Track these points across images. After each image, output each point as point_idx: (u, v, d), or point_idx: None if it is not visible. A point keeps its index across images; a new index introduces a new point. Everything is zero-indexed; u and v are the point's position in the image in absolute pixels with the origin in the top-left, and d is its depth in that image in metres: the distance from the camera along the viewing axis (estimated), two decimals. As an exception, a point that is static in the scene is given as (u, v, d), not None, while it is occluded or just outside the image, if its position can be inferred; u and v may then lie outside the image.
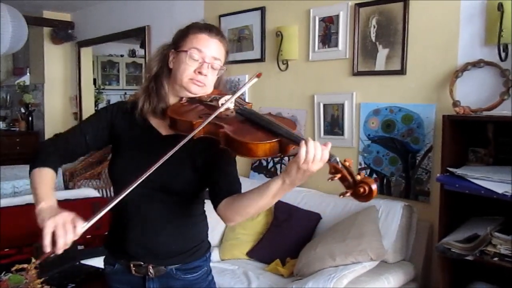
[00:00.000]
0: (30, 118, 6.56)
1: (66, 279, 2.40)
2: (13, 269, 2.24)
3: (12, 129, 6.84)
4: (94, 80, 7.05)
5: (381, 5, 2.82)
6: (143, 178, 1.17)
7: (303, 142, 1.09)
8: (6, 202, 3.00)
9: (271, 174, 3.48)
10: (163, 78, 1.41)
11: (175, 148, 1.19)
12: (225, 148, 1.23)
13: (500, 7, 2.24)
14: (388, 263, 2.51)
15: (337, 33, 3.06)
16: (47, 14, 5.94)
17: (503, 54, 2.31)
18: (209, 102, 1.37)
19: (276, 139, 1.16)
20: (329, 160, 1.09)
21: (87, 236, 2.97)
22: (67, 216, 1.14)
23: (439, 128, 2.39)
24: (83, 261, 2.62)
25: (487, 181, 2.03)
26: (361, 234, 2.45)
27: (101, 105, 7.11)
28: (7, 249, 2.65)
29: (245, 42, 3.67)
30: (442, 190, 2.21)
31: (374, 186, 1.05)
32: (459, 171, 2.15)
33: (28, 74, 6.69)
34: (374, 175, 2.91)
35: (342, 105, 3.05)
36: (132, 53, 8.52)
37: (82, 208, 3.11)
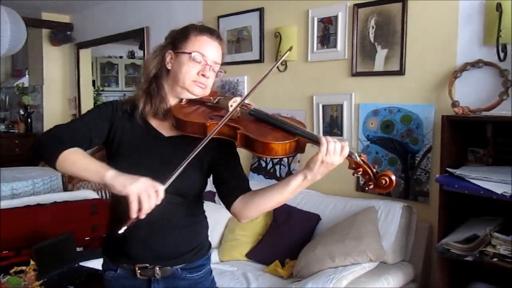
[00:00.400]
0: (29, 120, 6.56)
1: (65, 281, 2.40)
2: (12, 271, 2.24)
3: (11, 131, 6.84)
4: (93, 81, 7.04)
5: (380, 5, 2.82)
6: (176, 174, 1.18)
7: (323, 138, 1.18)
8: (4, 204, 3.00)
9: (270, 175, 3.48)
10: (162, 79, 1.41)
11: (196, 150, 1.20)
12: (235, 148, 1.29)
13: (499, 7, 2.23)
14: (388, 264, 2.51)
15: (335, 33, 3.06)
16: (46, 15, 5.95)
17: (501, 54, 2.30)
18: (215, 102, 1.39)
19: (295, 139, 1.23)
20: (349, 155, 1.20)
21: (86, 238, 2.97)
22: (146, 181, 1.14)
23: (438, 128, 2.39)
24: (81, 263, 2.62)
25: (486, 181, 2.02)
26: (360, 235, 2.45)
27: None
28: (5, 251, 2.64)
29: (243, 43, 3.67)
30: (442, 190, 2.21)
31: (393, 177, 1.17)
32: (458, 172, 2.14)
33: (27, 76, 6.69)
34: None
35: (341, 105, 3.05)
36: (131, 55, 8.53)
37: (81, 209, 3.11)
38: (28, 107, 6.47)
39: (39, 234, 2.68)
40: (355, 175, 1.21)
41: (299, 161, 3.32)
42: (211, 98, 1.42)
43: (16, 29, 4.19)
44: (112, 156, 1.41)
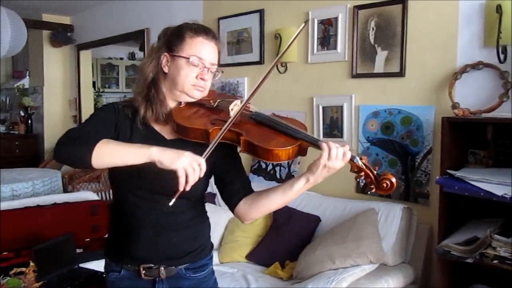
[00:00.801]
0: (29, 121, 6.56)
1: (64, 282, 2.40)
2: (12, 272, 2.24)
3: (11, 132, 6.84)
4: (94, 83, 7.05)
5: (380, 7, 2.82)
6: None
7: (324, 144, 1.20)
8: (4, 205, 3.00)
9: (270, 176, 3.48)
10: (160, 83, 1.40)
11: (204, 156, 1.21)
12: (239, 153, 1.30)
13: (499, 8, 2.23)
14: (388, 266, 2.50)
15: (336, 35, 3.06)
16: (47, 17, 5.95)
17: (502, 56, 2.30)
18: (215, 106, 1.38)
19: (298, 143, 1.25)
20: (351, 159, 1.21)
21: (86, 240, 2.97)
22: (190, 155, 1.19)
23: (438, 130, 2.39)
24: (81, 265, 2.62)
25: (486, 183, 2.02)
26: (360, 237, 2.44)
27: (100, 108, 7.10)
28: (5, 252, 2.64)
29: (244, 44, 3.67)
30: (442, 192, 2.20)
31: (394, 179, 1.19)
32: (458, 173, 2.14)
33: (27, 77, 6.69)
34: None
35: (341, 107, 3.05)
36: (132, 56, 8.53)
37: (81, 210, 3.11)
38: (29, 108, 6.48)
39: (39, 235, 2.67)
40: (358, 179, 1.23)
41: (299, 163, 3.32)
42: (211, 100, 1.41)
43: (16, 31, 4.19)
44: None
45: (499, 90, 2.33)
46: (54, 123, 6.31)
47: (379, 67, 2.85)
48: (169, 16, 4.29)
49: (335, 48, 3.07)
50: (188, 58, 1.34)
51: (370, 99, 2.92)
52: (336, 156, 1.19)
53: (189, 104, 1.41)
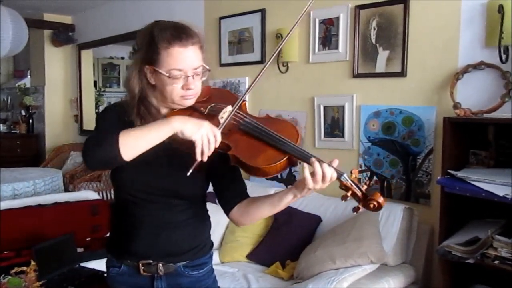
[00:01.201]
0: (30, 121, 6.56)
1: (65, 282, 2.40)
2: (12, 271, 2.24)
3: (13, 131, 6.84)
4: (95, 82, 7.05)
5: (382, 7, 2.81)
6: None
7: (306, 169, 1.19)
8: (6, 204, 3.00)
9: (271, 177, 3.47)
10: (149, 96, 1.36)
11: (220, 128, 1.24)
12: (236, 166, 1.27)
13: (501, 8, 2.23)
14: (389, 266, 2.50)
15: (337, 35, 3.06)
16: (48, 16, 5.95)
17: (503, 56, 2.30)
18: (206, 113, 1.35)
19: (286, 157, 1.22)
20: (339, 178, 1.19)
21: (87, 239, 2.97)
22: (207, 126, 1.21)
23: (440, 130, 2.38)
24: (82, 264, 2.62)
25: (487, 183, 2.02)
26: (361, 237, 2.44)
27: (101, 108, 7.11)
28: (6, 252, 2.65)
29: (245, 44, 3.67)
30: (443, 192, 2.20)
31: (381, 200, 1.17)
32: (459, 174, 2.14)
33: (28, 76, 6.69)
34: (375, 178, 2.90)
35: (343, 107, 3.05)
36: (133, 56, 8.52)
37: (82, 210, 3.11)
38: (30, 108, 6.48)
39: (40, 235, 2.68)
40: (344, 200, 1.20)
41: (300, 163, 3.31)
42: (201, 108, 1.36)
43: (18, 30, 4.20)
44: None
45: (501, 91, 2.33)
46: (55, 122, 6.32)
47: (380, 67, 2.85)
48: (171, 16, 4.26)
49: (336, 48, 3.07)
50: (168, 76, 1.28)
51: (371, 99, 2.92)
52: (320, 179, 1.18)
53: (182, 110, 1.38)
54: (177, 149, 1.32)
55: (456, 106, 2.40)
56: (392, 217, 2.58)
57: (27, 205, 3.02)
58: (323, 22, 3.14)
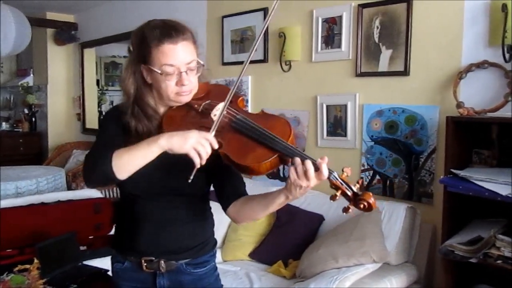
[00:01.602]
0: (33, 119, 6.57)
1: (68, 280, 2.40)
2: (15, 269, 2.25)
3: (16, 130, 6.85)
4: (97, 81, 7.05)
5: (385, 6, 2.81)
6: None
7: (291, 164, 1.16)
8: (9, 202, 3.01)
9: (273, 175, 3.48)
10: (146, 97, 1.36)
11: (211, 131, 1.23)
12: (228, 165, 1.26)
13: (504, 7, 2.22)
14: (391, 265, 2.50)
15: (340, 34, 3.05)
16: (51, 15, 5.96)
17: (507, 55, 2.29)
18: (201, 110, 1.35)
19: (276, 155, 1.20)
20: (328, 177, 1.16)
21: (89, 237, 2.98)
22: (195, 134, 1.21)
23: (443, 129, 2.38)
24: (85, 262, 2.63)
25: (491, 183, 2.02)
26: (363, 236, 2.44)
27: (104, 106, 7.12)
28: (9, 250, 2.65)
29: (247, 43, 3.67)
30: (446, 192, 2.20)
31: (371, 200, 1.13)
32: (462, 173, 2.14)
33: (31, 75, 6.70)
34: (377, 177, 2.90)
35: (345, 106, 3.04)
36: (135, 54, 8.52)
37: (84, 208, 3.12)
38: (33, 106, 6.49)
39: (42, 233, 2.68)
40: (333, 199, 1.17)
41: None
42: (195, 105, 1.37)
43: (21, 29, 4.21)
44: None
45: (504, 90, 2.32)
46: (58, 121, 6.33)
47: (383, 66, 2.85)
48: (173, 15, 4.26)
49: (339, 46, 3.07)
50: (160, 73, 1.30)
51: (374, 98, 2.91)
52: (304, 175, 1.15)
53: (180, 107, 1.39)
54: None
55: (459, 105, 2.39)
56: (395, 216, 2.58)
57: (30, 203, 3.03)
58: (326, 21, 3.14)
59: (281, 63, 3.38)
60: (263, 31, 1.33)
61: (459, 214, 2.27)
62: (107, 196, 4.62)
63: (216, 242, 1.56)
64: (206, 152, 1.20)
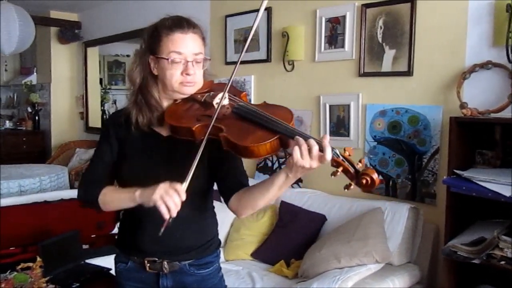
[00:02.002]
0: (36, 117, 6.60)
1: (70, 278, 2.41)
2: (18, 267, 2.25)
3: (19, 128, 6.88)
4: (100, 80, 7.07)
5: (388, 5, 2.80)
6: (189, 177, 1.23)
7: (294, 141, 1.13)
8: (12, 201, 3.02)
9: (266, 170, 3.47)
10: (150, 87, 1.39)
11: (196, 158, 1.22)
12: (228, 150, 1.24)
13: (509, 8, 2.21)
14: (394, 266, 2.49)
15: (343, 33, 3.05)
16: (54, 14, 5.97)
17: (511, 56, 2.28)
18: (203, 100, 1.36)
19: (276, 137, 1.18)
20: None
21: (92, 236, 2.98)
22: (164, 185, 1.22)
23: (446, 130, 2.37)
24: (87, 261, 2.63)
25: (494, 183, 2.01)
26: (366, 236, 2.44)
27: (107, 105, 7.14)
28: (12, 248, 2.66)
29: (251, 42, 3.65)
30: (449, 192, 2.19)
31: (375, 176, 1.10)
32: (466, 174, 2.13)
33: (35, 73, 6.72)
34: (380, 177, 2.89)
35: (348, 106, 3.04)
36: (138, 53, 8.52)
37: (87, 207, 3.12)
38: (36, 105, 6.51)
39: (45, 231, 2.69)
40: (335, 175, 1.13)
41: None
42: (199, 95, 1.38)
43: (25, 27, 4.22)
44: (119, 164, 1.45)
45: (508, 90, 2.31)
46: (61, 119, 6.34)
47: (386, 66, 2.84)
48: (176, 14, 4.29)
49: (342, 46, 3.06)
50: (167, 59, 1.33)
51: (377, 98, 2.91)
52: (308, 155, 1.12)
53: (184, 100, 1.40)
54: (177, 143, 1.33)
55: (462, 105, 2.39)
56: (398, 216, 2.58)
57: (33, 201, 3.03)
58: (329, 20, 3.13)
59: (284, 63, 3.37)
60: (253, 33, 1.34)
61: (462, 215, 2.26)
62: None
63: (220, 242, 1.55)
64: (174, 203, 1.19)
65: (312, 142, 1.12)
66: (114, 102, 7.51)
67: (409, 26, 2.70)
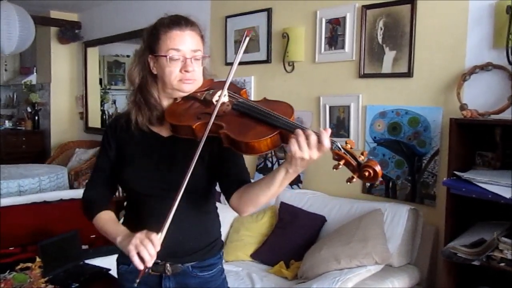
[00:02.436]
0: (36, 117, 6.59)
1: (69, 279, 2.41)
2: (18, 268, 2.25)
3: (18, 128, 6.87)
4: (100, 80, 7.06)
5: (389, 7, 2.80)
6: (181, 191, 1.23)
7: (293, 135, 1.11)
8: (11, 201, 3.02)
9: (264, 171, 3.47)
10: (150, 86, 1.39)
11: (196, 156, 1.22)
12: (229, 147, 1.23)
13: (509, 9, 2.21)
14: (393, 267, 2.49)
15: (343, 35, 3.05)
16: (54, 14, 5.97)
17: (511, 57, 2.28)
18: (203, 98, 1.36)
19: (276, 132, 1.17)
20: (330, 147, 1.11)
21: (91, 236, 2.98)
22: (140, 235, 1.24)
23: (446, 131, 2.37)
24: (86, 261, 2.63)
25: (494, 185, 2.01)
26: (366, 237, 2.44)
27: (106, 105, 7.13)
28: (11, 248, 2.66)
29: (251, 43, 3.66)
30: (449, 194, 2.19)
31: (378, 168, 1.07)
32: (466, 175, 2.13)
33: (35, 73, 6.72)
34: (380, 178, 2.89)
35: (348, 107, 3.04)
36: (138, 54, 8.52)
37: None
38: (36, 105, 6.51)
39: (45, 231, 2.69)
40: (336, 168, 1.10)
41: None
42: (198, 93, 1.38)
43: (25, 27, 4.22)
44: (120, 166, 1.44)
45: (508, 92, 2.32)
46: (61, 119, 6.34)
47: (387, 67, 2.84)
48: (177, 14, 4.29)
49: (342, 47, 3.06)
50: (166, 56, 1.33)
51: (377, 99, 2.91)
52: (306, 146, 1.09)
53: (184, 99, 1.39)
54: (178, 143, 1.33)
55: (463, 107, 2.39)
56: (397, 218, 2.57)
57: (32, 201, 3.04)
58: (329, 21, 3.13)
59: (285, 64, 3.37)
60: (240, 57, 1.32)
61: (462, 216, 2.26)
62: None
63: (223, 243, 1.54)
64: (148, 253, 1.19)
65: (309, 131, 1.11)
66: (114, 102, 7.50)
67: (410, 28, 2.70)
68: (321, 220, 2.87)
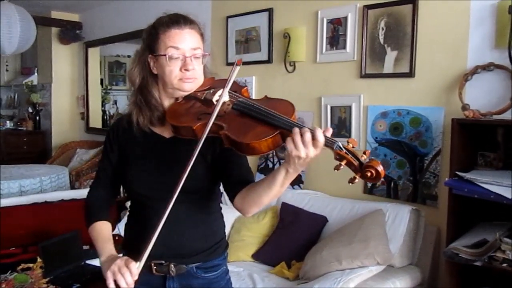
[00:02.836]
0: (37, 118, 6.60)
1: (71, 279, 2.41)
2: (19, 268, 2.25)
3: (19, 128, 6.88)
4: (101, 80, 7.07)
5: (390, 7, 2.80)
6: (177, 191, 1.22)
7: (291, 132, 1.10)
8: (12, 201, 3.02)
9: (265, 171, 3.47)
10: (150, 87, 1.38)
11: (193, 156, 1.21)
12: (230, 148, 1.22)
13: (511, 9, 2.21)
14: (395, 268, 2.49)
15: (345, 35, 3.04)
16: (55, 14, 5.97)
17: (513, 57, 2.28)
18: (204, 98, 1.35)
19: (277, 132, 1.15)
20: (332, 147, 1.09)
21: (93, 236, 2.97)
22: (119, 262, 1.24)
23: (448, 131, 2.37)
24: (87, 261, 2.63)
25: (496, 185, 2.00)
26: (367, 238, 2.43)
27: (107, 106, 7.14)
28: (12, 248, 2.66)
29: (252, 43, 3.66)
30: (451, 194, 2.19)
31: (380, 168, 1.04)
32: (468, 176, 2.12)
33: (36, 73, 6.72)
34: (382, 179, 2.88)
35: (350, 107, 3.03)
36: (139, 54, 8.52)
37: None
38: (37, 105, 6.51)
39: (46, 232, 2.69)
40: (338, 169, 1.08)
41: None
42: (198, 93, 1.37)
43: (26, 27, 4.22)
44: (123, 167, 1.44)
45: (510, 92, 2.31)
46: (62, 119, 6.34)
47: (388, 68, 2.84)
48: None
49: (344, 47, 3.06)
50: (165, 55, 1.32)
51: (378, 100, 2.90)
52: (302, 144, 1.08)
53: (186, 98, 1.38)
54: (180, 144, 1.32)
55: (464, 107, 2.38)
56: (399, 218, 2.57)
57: (33, 202, 3.04)
58: (331, 21, 3.13)
59: (286, 64, 3.37)
60: (233, 78, 1.34)
61: (464, 217, 2.26)
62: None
63: (227, 244, 1.53)
64: (125, 282, 1.20)
65: (304, 129, 1.09)
66: (115, 102, 7.51)
67: (411, 28, 2.70)
68: (323, 220, 2.87)
